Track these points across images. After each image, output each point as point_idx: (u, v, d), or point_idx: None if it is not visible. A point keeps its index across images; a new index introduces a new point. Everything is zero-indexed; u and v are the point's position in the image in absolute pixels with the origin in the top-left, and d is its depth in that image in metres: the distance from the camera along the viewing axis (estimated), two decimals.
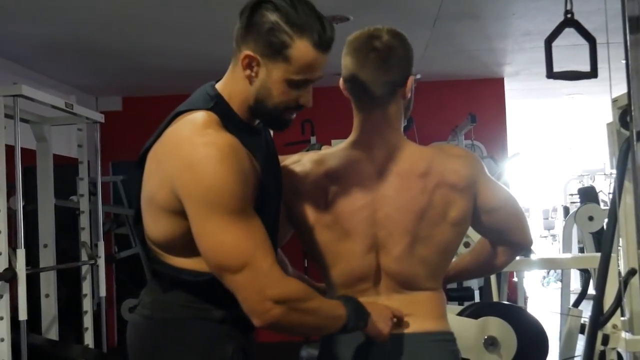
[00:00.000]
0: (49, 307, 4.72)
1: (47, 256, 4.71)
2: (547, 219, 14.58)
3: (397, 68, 1.78)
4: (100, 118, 5.04)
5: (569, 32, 2.39)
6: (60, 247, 4.89)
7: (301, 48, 1.58)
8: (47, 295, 4.72)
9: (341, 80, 1.83)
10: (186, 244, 1.58)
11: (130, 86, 7.01)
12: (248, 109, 1.66)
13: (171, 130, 1.61)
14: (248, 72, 1.61)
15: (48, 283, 4.73)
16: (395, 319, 1.75)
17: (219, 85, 1.69)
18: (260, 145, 1.71)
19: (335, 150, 1.86)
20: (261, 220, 1.57)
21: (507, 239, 1.93)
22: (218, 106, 1.62)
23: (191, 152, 1.52)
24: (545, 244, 14.38)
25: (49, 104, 4.35)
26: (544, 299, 10.02)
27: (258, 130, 1.73)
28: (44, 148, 4.78)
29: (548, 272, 11.23)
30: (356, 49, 1.78)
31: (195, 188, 1.51)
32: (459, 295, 5.49)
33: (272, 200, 1.71)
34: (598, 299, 2.40)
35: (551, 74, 2.32)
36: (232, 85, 1.66)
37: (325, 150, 1.90)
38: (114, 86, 7.02)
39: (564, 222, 6.66)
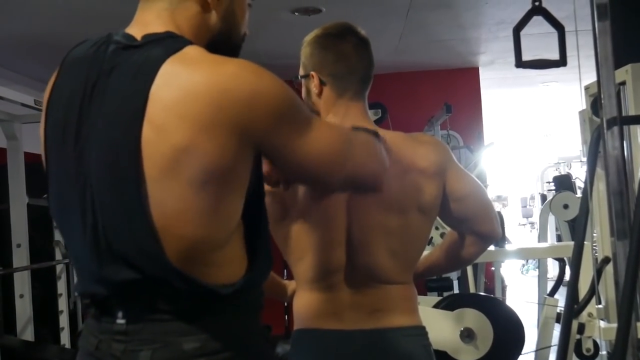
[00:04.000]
0: (24, 308, 4.66)
1: (21, 256, 4.64)
2: (525, 207, 14.64)
3: (372, 60, 1.86)
4: None
5: (541, 20, 2.39)
6: (34, 247, 4.83)
7: None
8: (21, 296, 4.66)
9: (316, 74, 1.82)
10: (229, 239, 1.28)
11: None
12: (206, 45, 1.35)
13: (172, 84, 1.23)
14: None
15: (22, 283, 4.66)
16: None
17: (153, 31, 1.33)
18: None
19: None
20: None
21: (476, 229, 1.91)
22: (195, 44, 1.32)
23: (242, 83, 1.23)
24: (524, 232, 14.47)
25: (18, 101, 4.29)
26: (523, 288, 10.09)
27: None
28: (14, 146, 4.71)
29: (527, 260, 11.30)
30: (345, 39, 1.81)
31: (278, 111, 1.26)
32: (438, 285, 5.48)
33: None
34: (572, 288, 2.40)
35: (520, 63, 2.31)
36: (181, 24, 1.36)
37: None
38: None
39: (540, 211, 6.67)
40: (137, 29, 1.34)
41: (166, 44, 1.28)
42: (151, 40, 1.30)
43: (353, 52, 1.81)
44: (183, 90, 1.21)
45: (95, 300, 1.29)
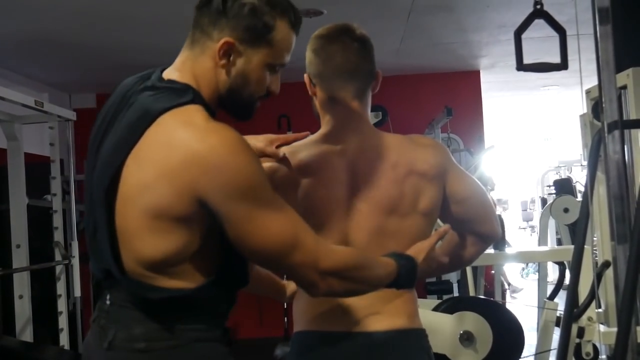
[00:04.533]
0: (23, 309, 4.66)
1: (20, 257, 4.65)
2: (526, 210, 14.65)
3: (373, 59, 1.83)
4: (72, 116, 4.98)
5: (542, 24, 2.38)
6: (34, 247, 4.82)
7: (282, 29, 1.53)
8: (20, 297, 4.66)
9: (308, 76, 1.83)
10: (187, 258, 1.48)
11: (104, 83, 6.91)
12: (215, 100, 1.55)
13: (162, 132, 1.44)
14: (224, 61, 1.51)
15: (22, 284, 4.66)
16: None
17: (180, 78, 1.54)
18: None
19: (307, 143, 1.84)
20: None
21: (476, 229, 1.91)
22: (197, 100, 1.50)
23: (211, 153, 1.40)
24: (524, 235, 14.46)
25: (18, 102, 4.29)
26: (523, 291, 10.06)
27: None
28: (14, 147, 4.71)
29: (527, 264, 11.29)
30: (336, 40, 1.80)
31: (233, 188, 1.41)
32: (438, 288, 5.48)
33: None
34: (572, 292, 2.39)
35: (521, 66, 2.31)
36: (198, 75, 1.54)
37: (298, 142, 1.88)
38: (88, 83, 6.94)
39: (541, 214, 6.67)
40: (169, 71, 1.57)
41: (177, 95, 1.48)
42: (169, 87, 1.51)
43: (340, 52, 1.79)
44: (166, 141, 1.43)
45: (97, 283, 1.59)
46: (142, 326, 1.50)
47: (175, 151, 1.41)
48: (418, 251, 1.70)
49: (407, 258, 1.66)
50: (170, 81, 1.52)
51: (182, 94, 1.48)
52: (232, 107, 1.58)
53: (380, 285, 1.65)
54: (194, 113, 1.45)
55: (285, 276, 1.81)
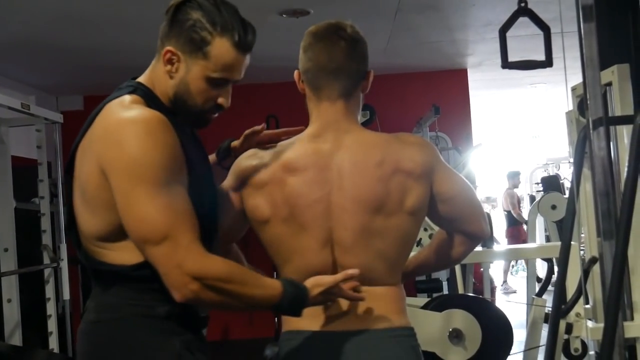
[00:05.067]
0: (12, 312, 4.63)
1: (8, 260, 4.63)
2: None
3: (363, 59, 1.83)
4: (59, 118, 4.96)
5: (527, 22, 2.39)
6: (22, 251, 4.80)
7: (220, 46, 1.65)
8: (9, 300, 4.64)
9: (298, 73, 1.85)
10: (122, 234, 1.59)
11: (91, 85, 6.90)
12: (169, 103, 1.71)
13: (98, 117, 1.63)
14: (169, 67, 1.68)
15: (10, 287, 4.64)
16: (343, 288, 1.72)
17: (139, 79, 1.74)
18: (186, 131, 1.73)
19: (293, 142, 1.85)
20: (204, 202, 1.64)
21: (464, 228, 1.91)
22: (140, 91, 1.68)
23: (118, 129, 1.57)
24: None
25: (4, 105, 4.27)
26: (512, 288, 10.10)
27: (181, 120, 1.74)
28: (1, 150, 4.69)
29: (516, 261, 11.32)
30: (323, 38, 1.81)
31: (120, 161, 1.54)
32: (428, 287, 5.50)
33: (206, 186, 1.72)
34: (559, 288, 2.40)
35: (506, 64, 2.32)
36: (154, 79, 1.72)
37: (284, 141, 1.88)
38: (75, 85, 6.91)
39: (529, 212, 6.69)
40: (141, 76, 1.76)
41: (126, 89, 1.68)
42: (127, 85, 1.71)
43: (326, 51, 1.79)
44: (96, 124, 1.62)
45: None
46: (96, 300, 1.69)
47: (94, 132, 1.62)
48: (316, 284, 1.69)
49: (297, 287, 1.66)
50: (131, 81, 1.72)
51: (129, 89, 1.68)
52: (182, 112, 1.72)
53: (256, 305, 1.67)
54: (127, 98, 1.64)
55: (275, 276, 1.82)
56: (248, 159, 1.84)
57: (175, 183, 1.56)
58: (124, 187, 1.54)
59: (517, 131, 13.38)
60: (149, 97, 1.67)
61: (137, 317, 1.63)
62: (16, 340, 4.62)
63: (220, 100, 1.71)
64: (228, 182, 1.86)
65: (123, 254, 1.61)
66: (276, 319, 6.09)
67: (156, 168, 1.53)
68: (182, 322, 1.65)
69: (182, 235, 1.53)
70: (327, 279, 1.70)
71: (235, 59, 1.67)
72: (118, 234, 1.60)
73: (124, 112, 1.59)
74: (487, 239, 3.21)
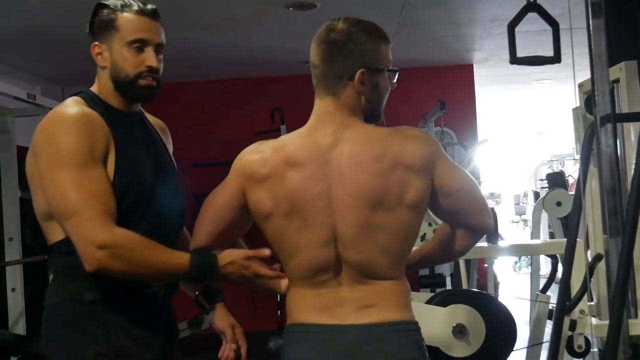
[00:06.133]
0: (16, 301, 4.66)
1: (13, 250, 4.65)
2: (519, 204, 14.68)
3: (342, 62, 1.81)
4: None
5: (535, 17, 2.38)
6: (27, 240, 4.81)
7: (125, 17, 1.92)
8: (13, 289, 4.66)
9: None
10: (50, 215, 1.85)
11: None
12: (116, 94, 1.95)
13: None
14: (100, 59, 1.96)
15: (14, 277, 4.66)
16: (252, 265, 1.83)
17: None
18: (130, 126, 1.97)
19: (294, 136, 1.85)
20: (132, 188, 1.87)
21: (467, 222, 1.90)
22: (83, 94, 1.95)
23: (47, 120, 1.84)
24: (517, 229, 14.49)
25: (10, 94, 4.27)
26: (516, 284, 10.10)
27: (131, 115, 1.99)
28: (6, 140, 4.71)
29: (520, 257, 11.31)
30: (316, 38, 1.85)
31: (45, 146, 1.81)
32: (431, 282, 5.49)
33: (136, 175, 1.91)
34: (564, 285, 2.40)
35: (514, 59, 2.31)
36: (98, 83, 1.98)
37: (284, 135, 1.89)
38: (80, 76, 6.82)
39: (533, 208, 6.68)
40: None
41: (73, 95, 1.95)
42: (76, 92, 1.97)
43: (314, 50, 1.84)
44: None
45: None
46: (49, 285, 1.94)
47: (38, 127, 1.88)
48: (227, 254, 1.84)
49: (206, 254, 1.83)
50: (83, 88, 2.00)
51: (76, 93, 1.96)
52: (123, 91, 1.95)
53: (168, 274, 1.83)
54: (69, 99, 1.92)
55: (280, 268, 1.83)
56: (249, 153, 1.85)
57: (93, 168, 1.79)
58: (45, 168, 1.80)
59: (522, 127, 13.37)
60: (90, 99, 1.93)
61: (65, 302, 1.88)
62: (20, 329, 4.64)
63: (147, 62, 1.92)
64: (230, 178, 1.86)
65: (54, 233, 1.86)
66: (279, 312, 6.10)
67: (73, 153, 1.77)
68: (109, 307, 1.85)
69: (89, 209, 1.73)
70: (238, 252, 1.85)
71: (141, 22, 1.92)
72: (48, 215, 1.85)
73: (58, 108, 1.88)
74: (492, 235, 3.20)
